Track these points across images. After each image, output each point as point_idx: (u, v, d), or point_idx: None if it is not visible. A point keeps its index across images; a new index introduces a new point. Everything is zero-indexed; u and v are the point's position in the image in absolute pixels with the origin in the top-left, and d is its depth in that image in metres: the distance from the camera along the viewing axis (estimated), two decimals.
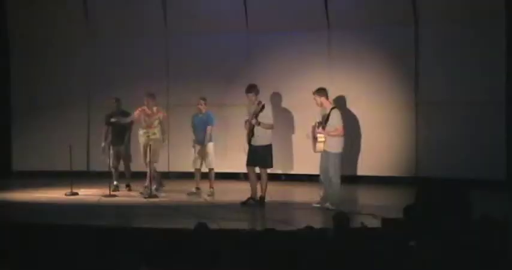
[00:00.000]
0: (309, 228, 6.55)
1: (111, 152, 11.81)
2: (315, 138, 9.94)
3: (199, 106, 11.55)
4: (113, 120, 11.70)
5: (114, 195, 11.26)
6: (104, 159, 11.85)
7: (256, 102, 10.46)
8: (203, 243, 6.08)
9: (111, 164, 11.86)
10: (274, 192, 10.90)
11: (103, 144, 11.86)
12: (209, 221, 7.74)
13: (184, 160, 11.97)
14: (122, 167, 12.01)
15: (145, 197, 11.19)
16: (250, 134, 10.50)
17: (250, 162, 10.57)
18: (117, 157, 11.89)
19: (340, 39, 12.56)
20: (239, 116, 13.14)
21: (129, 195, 11.43)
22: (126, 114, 11.86)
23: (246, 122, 10.57)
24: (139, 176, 11.83)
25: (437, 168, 11.69)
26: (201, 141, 11.49)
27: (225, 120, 13.24)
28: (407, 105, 12.13)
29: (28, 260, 5.37)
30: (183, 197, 11.25)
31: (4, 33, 14.07)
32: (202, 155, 11.50)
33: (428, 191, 8.52)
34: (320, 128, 9.86)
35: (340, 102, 11.68)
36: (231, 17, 13.17)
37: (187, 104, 12.88)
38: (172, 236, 6.13)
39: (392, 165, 12.17)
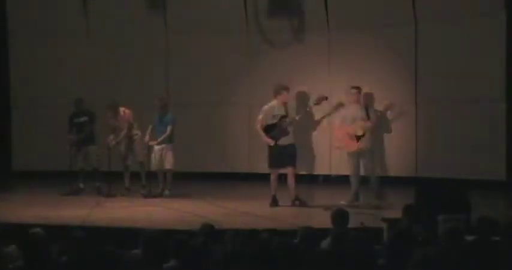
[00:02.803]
0: (308, 228, 6.56)
1: (78, 152, 11.77)
2: (356, 136, 10.01)
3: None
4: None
5: (114, 195, 11.27)
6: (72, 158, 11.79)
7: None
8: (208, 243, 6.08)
9: (78, 165, 11.77)
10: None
11: (71, 136, 11.77)
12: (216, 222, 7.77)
13: (184, 160, 11.94)
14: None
15: (145, 196, 11.21)
16: (284, 132, 10.30)
17: (286, 163, 10.33)
18: (86, 158, 11.81)
19: (340, 39, 12.56)
20: (239, 115, 13.17)
21: (129, 195, 11.42)
22: (88, 113, 11.85)
23: (282, 121, 10.29)
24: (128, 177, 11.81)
25: (437, 168, 11.68)
26: (160, 141, 11.30)
27: (225, 120, 13.23)
28: (407, 105, 12.12)
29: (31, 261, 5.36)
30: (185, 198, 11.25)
31: (4, 33, 14.06)
32: (162, 155, 11.32)
33: (428, 191, 8.55)
34: (368, 121, 10.01)
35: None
36: (231, 17, 13.17)
37: (187, 104, 12.88)
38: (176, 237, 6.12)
39: (393, 165, 12.16)
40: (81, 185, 11.78)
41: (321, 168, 12.53)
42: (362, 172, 10.44)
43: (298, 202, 10.28)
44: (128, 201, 10.95)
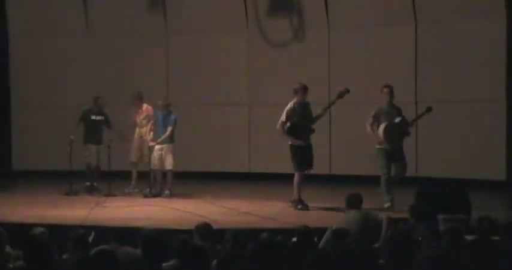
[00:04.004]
0: (305, 228, 6.57)
1: (89, 150, 11.78)
2: (404, 133, 9.94)
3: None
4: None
5: (114, 195, 11.26)
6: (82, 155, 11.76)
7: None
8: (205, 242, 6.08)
9: (88, 163, 11.78)
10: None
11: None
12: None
13: (184, 160, 11.93)
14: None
15: (145, 196, 11.21)
16: (310, 132, 10.08)
17: (312, 164, 10.12)
18: (96, 156, 11.83)
19: (340, 38, 12.57)
20: (239, 115, 13.18)
21: (129, 195, 11.42)
22: (104, 113, 11.92)
23: (306, 120, 10.02)
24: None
25: (437, 168, 11.68)
26: (159, 141, 11.29)
27: (225, 120, 13.22)
28: (407, 104, 12.10)
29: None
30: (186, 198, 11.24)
31: (4, 33, 14.07)
32: (162, 155, 11.29)
33: (428, 191, 8.55)
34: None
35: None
36: (231, 17, 13.17)
37: (187, 104, 12.87)
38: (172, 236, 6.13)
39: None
40: (88, 183, 11.79)
41: (321, 168, 12.51)
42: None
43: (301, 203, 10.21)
44: (127, 200, 10.94)
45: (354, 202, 7.60)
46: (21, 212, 9.78)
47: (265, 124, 12.61)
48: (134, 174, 11.65)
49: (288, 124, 9.98)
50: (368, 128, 10.04)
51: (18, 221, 8.90)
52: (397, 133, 9.97)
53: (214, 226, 6.92)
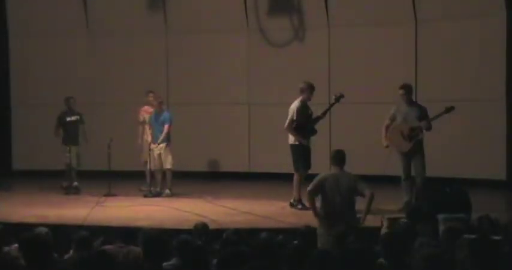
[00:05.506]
0: (307, 228, 6.57)
1: (71, 152, 11.79)
2: (409, 136, 9.74)
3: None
4: None
5: (114, 195, 11.25)
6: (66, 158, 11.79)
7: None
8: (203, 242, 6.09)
9: (72, 165, 11.80)
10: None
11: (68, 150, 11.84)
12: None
13: (184, 160, 11.93)
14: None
15: (145, 196, 11.21)
16: (315, 132, 10.06)
17: (310, 166, 10.11)
18: (77, 157, 11.87)
19: (340, 38, 12.57)
20: (239, 115, 13.17)
21: (128, 194, 11.41)
22: (79, 113, 11.98)
23: (311, 120, 10.01)
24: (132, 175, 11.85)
25: (438, 168, 11.66)
26: (155, 141, 11.28)
27: (225, 120, 13.22)
28: None
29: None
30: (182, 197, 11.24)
31: (4, 32, 14.07)
32: (161, 155, 11.29)
33: (428, 191, 8.56)
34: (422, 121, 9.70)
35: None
36: (231, 17, 13.17)
37: (187, 104, 12.88)
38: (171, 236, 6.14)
39: (392, 164, 12.14)
40: (76, 183, 11.80)
41: (321, 167, 12.51)
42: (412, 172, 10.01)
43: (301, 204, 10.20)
44: (127, 200, 10.94)
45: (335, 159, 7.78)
46: (22, 212, 9.78)
47: (265, 124, 12.64)
48: (148, 174, 11.61)
49: (294, 124, 9.96)
50: (383, 129, 9.92)
51: (18, 221, 8.91)
52: (404, 136, 9.87)
53: (214, 226, 6.93)
